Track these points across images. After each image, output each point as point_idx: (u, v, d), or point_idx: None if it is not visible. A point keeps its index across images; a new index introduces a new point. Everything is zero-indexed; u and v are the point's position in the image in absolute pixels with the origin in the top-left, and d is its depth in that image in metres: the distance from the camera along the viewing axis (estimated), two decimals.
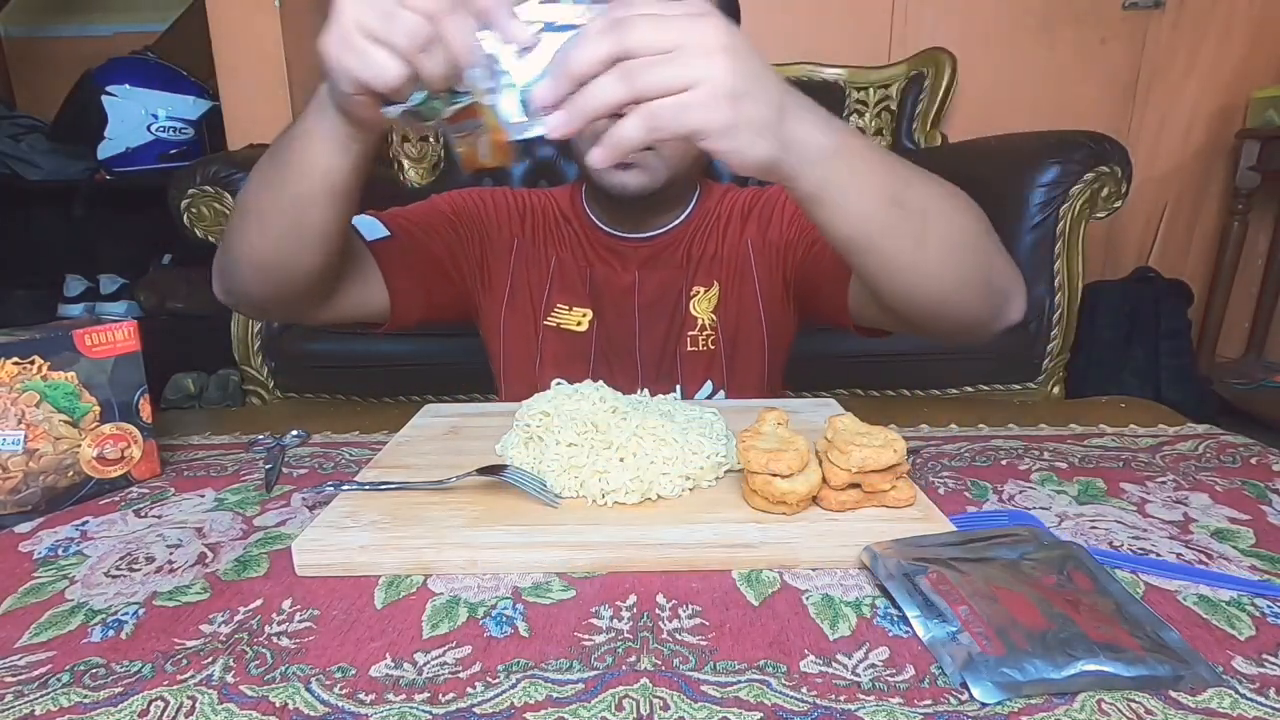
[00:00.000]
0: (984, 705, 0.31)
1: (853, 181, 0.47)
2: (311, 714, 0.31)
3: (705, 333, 0.83)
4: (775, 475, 0.45)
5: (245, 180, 0.59)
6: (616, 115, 0.41)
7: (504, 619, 0.38)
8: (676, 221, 0.84)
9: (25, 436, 0.51)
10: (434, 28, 0.41)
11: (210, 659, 0.35)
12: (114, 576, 0.43)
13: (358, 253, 0.73)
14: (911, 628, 0.36)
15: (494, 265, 0.84)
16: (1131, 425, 0.65)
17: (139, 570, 0.44)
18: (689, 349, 0.83)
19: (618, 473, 0.48)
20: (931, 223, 0.50)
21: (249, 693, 0.33)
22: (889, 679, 0.33)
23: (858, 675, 0.33)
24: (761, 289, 0.83)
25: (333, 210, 0.56)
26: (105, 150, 2.16)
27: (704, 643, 0.36)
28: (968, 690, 0.32)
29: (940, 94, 1.93)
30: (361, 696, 0.32)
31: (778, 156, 0.44)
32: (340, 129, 0.51)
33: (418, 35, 0.41)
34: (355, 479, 0.52)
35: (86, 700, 0.32)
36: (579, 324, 0.83)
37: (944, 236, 0.51)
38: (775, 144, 0.43)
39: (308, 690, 0.33)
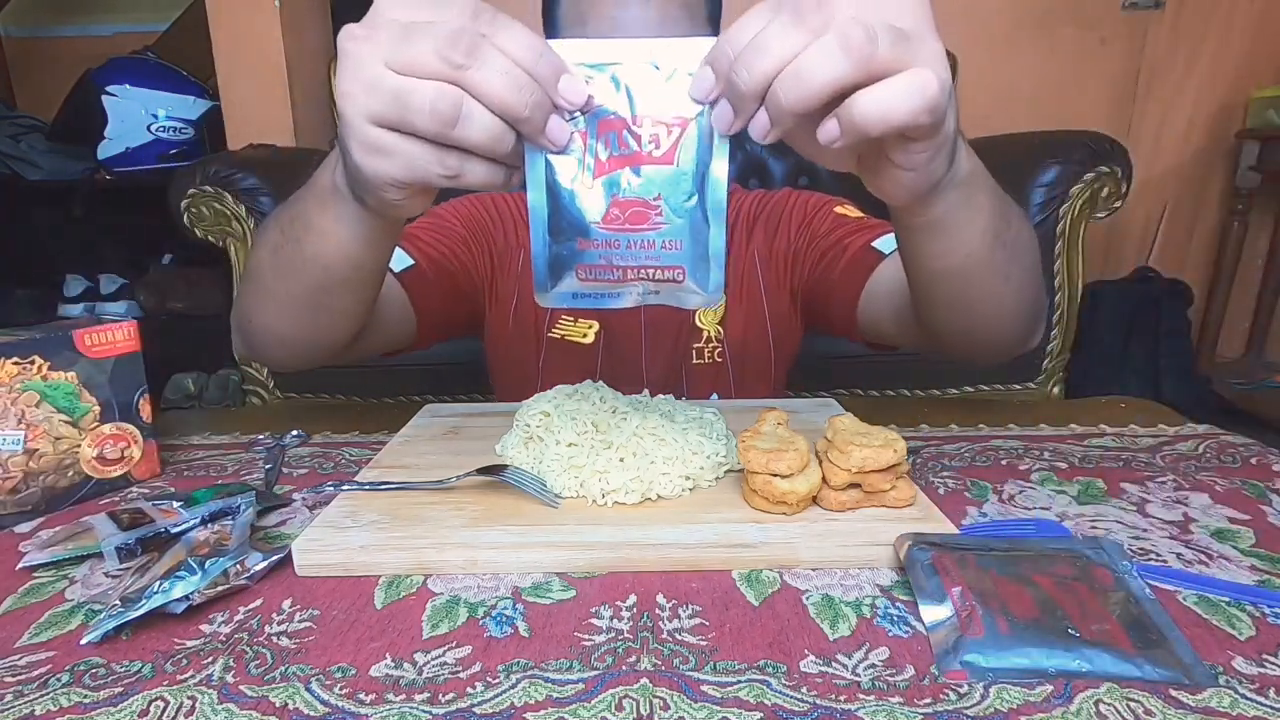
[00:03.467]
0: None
1: (971, 211, 0.44)
2: (311, 714, 0.31)
3: (712, 345, 0.81)
4: (775, 475, 0.45)
5: (255, 246, 0.54)
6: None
7: (504, 619, 0.38)
8: None
9: (25, 436, 0.51)
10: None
11: (210, 659, 0.35)
12: (114, 576, 0.43)
13: (385, 291, 0.69)
14: (912, 628, 0.36)
15: (501, 275, 0.82)
16: (1131, 425, 0.65)
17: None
18: (694, 362, 0.81)
19: (618, 473, 0.48)
20: (1017, 255, 0.49)
21: (249, 693, 0.33)
22: (889, 679, 0.33)
23: (858, 675, 0.33)
24: (768, 300, 0.81)
25: (358, 295, 0.52)
26: (105, 150, 2.16)
27: (704, 643, 0.36)
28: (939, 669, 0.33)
29: None
30: (361, 696, 0.32)
31: (944, 179, 0.39)
32: (363, 220, 0.44)
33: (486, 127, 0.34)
34: (355, 479, 0.52)
35: (86, 700, 0.32)
36: (584, 336, 0.81)
37: (1023, 268, 0.50)
38: (947, 164, 0.39)
39: (308, 690, 0.33)
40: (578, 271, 0.40)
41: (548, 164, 0.38)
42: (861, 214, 0.79)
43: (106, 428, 0.54)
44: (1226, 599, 0.38)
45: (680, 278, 0.40)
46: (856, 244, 0.72)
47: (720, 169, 0.38)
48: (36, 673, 0.34)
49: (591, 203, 0.38)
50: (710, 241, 0.39)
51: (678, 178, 0.38)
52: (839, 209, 0.79)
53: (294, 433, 0.65)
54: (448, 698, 0.32)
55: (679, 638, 0.36)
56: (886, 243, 0.70)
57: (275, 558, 0.42)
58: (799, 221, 0.80)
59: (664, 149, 0.37)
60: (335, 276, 0.49)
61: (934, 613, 0.36)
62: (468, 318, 0.83)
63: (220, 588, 0.39)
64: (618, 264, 0.40)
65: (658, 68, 0.36)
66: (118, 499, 0.54)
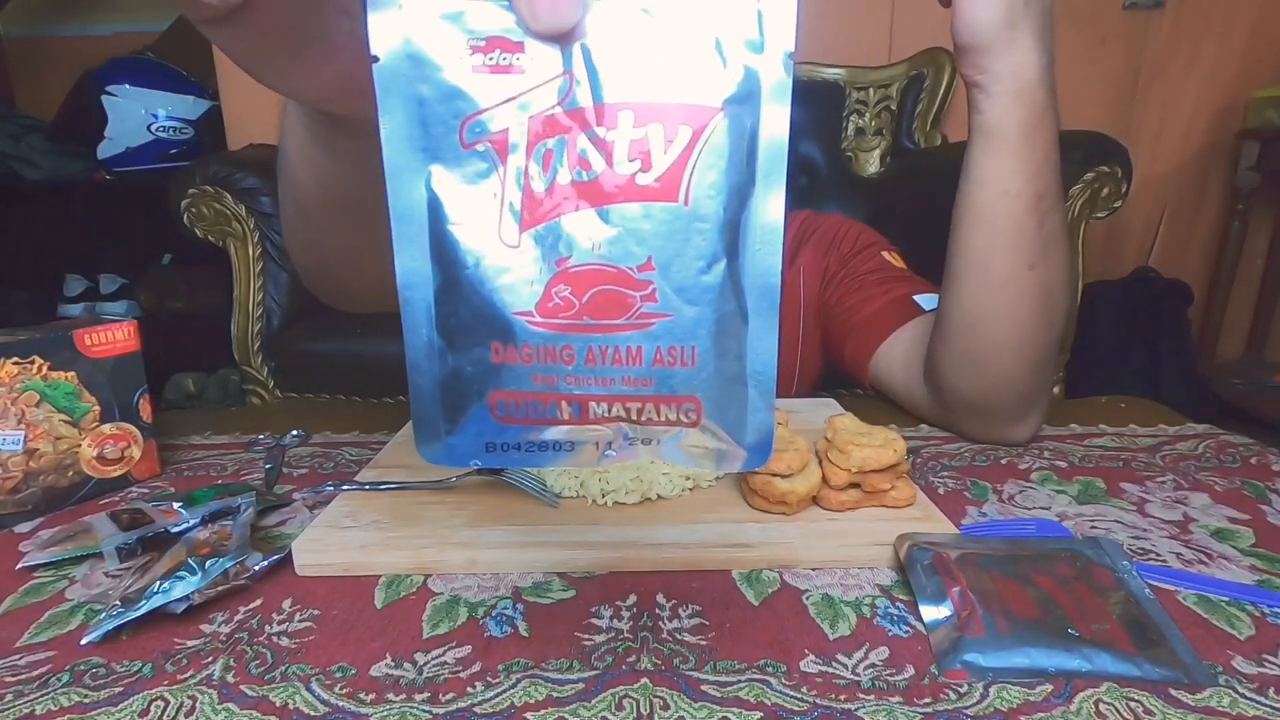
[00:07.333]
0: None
1: (1029, 137, 0.46)
2: (311, 714, 0.31)
3: None
4: (775, 475, 0.45)
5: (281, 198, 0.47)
6: None
7: (504, 619, 0.38)
8: None
9: (25, 436, 0.51)
10: None
11: (210, 659, 0.35)
12: (114, 576, 0.43)
13: None
14: (912, 627, 0.36)
15: None
16: (1131, 425, 0.65)
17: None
18: None
19: (618, 473, 0.48)
20: (1050, 250, 0.50)
21: (249, 693, 0.33)
22: (889, 679, 0.33)
23: (858, 675, 0.33)
24: (806, 322, 0.82)
25: (353, 228, 0.42)
26: (105, 150, 2.16)
27: (704, 643, 0.36)
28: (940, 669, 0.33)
29: (940, 94, 1.93)
30: (361, 696, 0.32)
31: (1003, 36, 0.44)
32: (308, 122, 0.36)
33: None
34: (355, 479, 0.52)
35: (86, 700, 0.32)
36: None
37: (1049, 274, 0.51)
38: (1007, 24, 0.43)
39: (308, 690, 0.33)
40: (492, 406, 0.24)
41: (432, 200, 0.22)
42: (905, 266, 0.80)
43: (106, 428, 0.54)
44: (1226, 599, 0.38)
45: (693, 417, 0.24)
46: (899, 291, 0.75)
47: (772, 207, 0.22)
48: (36, 673, 0.34)
49: (517, 276, 0.22)
50: (750, 348, 0.23)
51: (688, 226, 0.22)
52: (886, 254, 0.81)
53: (294, 433, 0.65)
54: (448, 697, 0.32)
55: (679, 637, 0.36)
56: (927, 300, 0.72)
57: (275, 558, 0.42)
58: (846, 251, 0.81)
59: (661, 171, 0.22)
60: (317, 201, 0.42)
61: (934, 613, 0.36)
62: None
63: (220, 588, 0.39)
64: (567, 392, 0.23)
65: (649, 12, 0.21)
66: (118, 499, 0.54)
